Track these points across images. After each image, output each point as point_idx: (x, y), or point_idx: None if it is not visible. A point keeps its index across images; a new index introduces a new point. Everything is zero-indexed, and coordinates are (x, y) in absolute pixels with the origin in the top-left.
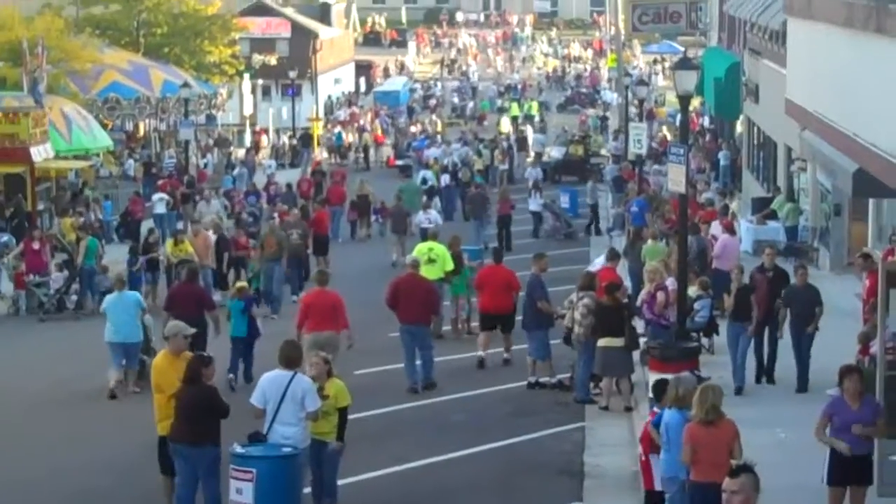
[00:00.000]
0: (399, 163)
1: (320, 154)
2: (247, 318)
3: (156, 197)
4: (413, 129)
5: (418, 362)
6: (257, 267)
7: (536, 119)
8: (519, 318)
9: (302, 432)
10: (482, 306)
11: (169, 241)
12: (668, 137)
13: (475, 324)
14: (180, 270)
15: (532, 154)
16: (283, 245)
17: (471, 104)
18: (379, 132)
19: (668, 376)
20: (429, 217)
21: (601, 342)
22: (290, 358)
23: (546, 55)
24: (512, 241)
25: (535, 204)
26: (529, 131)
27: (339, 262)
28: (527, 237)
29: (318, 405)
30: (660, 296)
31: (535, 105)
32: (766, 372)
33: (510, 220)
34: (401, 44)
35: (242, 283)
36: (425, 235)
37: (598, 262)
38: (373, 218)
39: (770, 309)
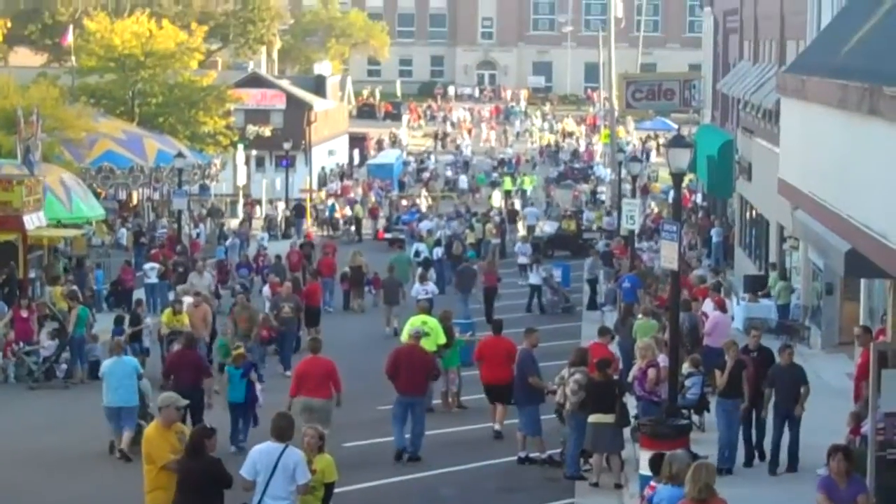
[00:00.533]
0: (388, 236)
1: (313, 225)
2: (245, 384)
3: (147, 266)
4: (404, 202)
5: (407, 435)
6: (231, 342)
7: (529, 192)
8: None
9: None
10: (483, 377)
11: (167, 311)
12: (662, 214)
13: (466, 397)
14: (171, 341)
15: (524, 228)
16: (255, 321)
17: (463, 177)
18: (371, 204)
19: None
20: (426, 288)
21: (591, 418)
22: (282, 429)
23: (542, 130)
24: (493, 313)
25: (535, 277)
26: (518, 205)
27: (331, 333)
28: (519, 311)
29: (308, 478)
30: (651, 372)
31: (528, 179)
32: (756, 449)
33: (496, 292)
34: (395, 116)
35: (241, 350)
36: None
37: None
38: (365, 289)
39: (756, 390)
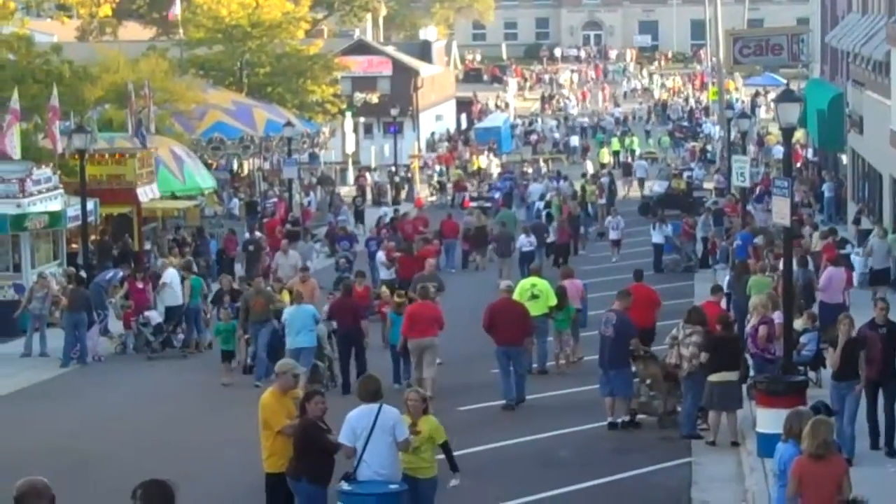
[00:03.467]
0: (473, 205)
1: (421, 190)
2: None
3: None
4: (498, 169)
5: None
6: (242, 326)
7: (638, 152)
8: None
9: (395, 464)
10: None
11: None
12: (771, 174)
13: (579, 358)
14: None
15: (635, 182)
16: (271, 306)
17: (573, 139)
18: (457, 177)
19: None
20: (530, 241)
21: (715, 376)
22: (373, 391)
23: (661, 87)
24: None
25: (657, 236)
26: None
27: (449, 297)
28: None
29: (407, 434)
30: (762, 329)
31: (636, 140)
32: (886, 441)
33: (568, 248)
34: (501, 80)
35: (402, 299)
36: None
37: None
38: (490, 248)
39: (885, 369)
